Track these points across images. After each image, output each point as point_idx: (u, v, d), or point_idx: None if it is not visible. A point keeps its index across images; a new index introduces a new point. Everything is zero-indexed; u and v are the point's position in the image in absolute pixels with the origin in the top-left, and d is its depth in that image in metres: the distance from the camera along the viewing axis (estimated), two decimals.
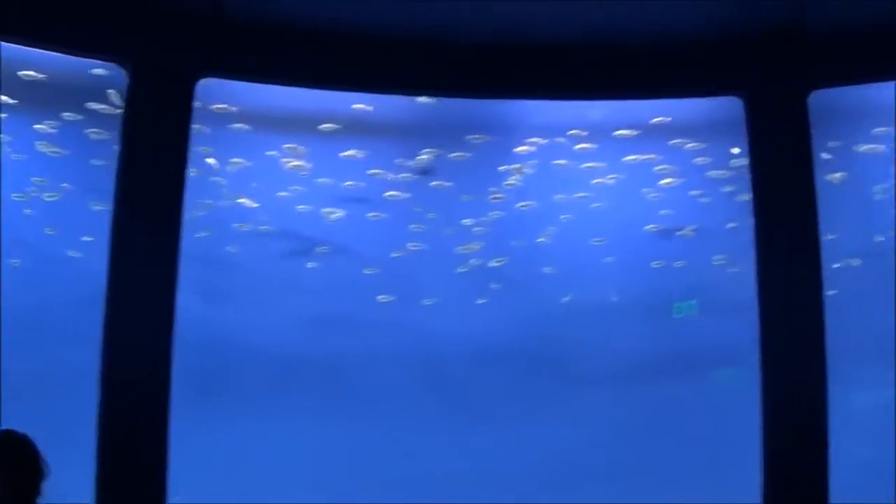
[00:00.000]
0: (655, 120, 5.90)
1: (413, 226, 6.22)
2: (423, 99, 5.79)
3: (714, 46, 4.93)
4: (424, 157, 6.19)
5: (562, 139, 6.14)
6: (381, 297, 6.06)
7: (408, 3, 4.69)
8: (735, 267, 5.94)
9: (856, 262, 5.67)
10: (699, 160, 6.04)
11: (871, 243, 5.75)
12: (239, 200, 5.97)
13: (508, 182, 6.24)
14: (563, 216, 6.27)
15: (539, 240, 6.25)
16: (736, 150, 5.25)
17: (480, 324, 6.17)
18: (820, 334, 4.67)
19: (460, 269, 6.22)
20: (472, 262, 6.24)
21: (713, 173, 6.00)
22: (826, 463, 4.59)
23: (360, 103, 5.86)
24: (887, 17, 4.61)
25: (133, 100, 4.60)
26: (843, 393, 4.87)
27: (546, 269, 6.20)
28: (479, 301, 6.17)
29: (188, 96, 4.68)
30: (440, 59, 5.04)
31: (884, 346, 5.48)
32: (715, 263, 6.02)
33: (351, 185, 6.16)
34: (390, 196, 6.15)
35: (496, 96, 5.56)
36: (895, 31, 4.70)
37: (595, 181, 6.21)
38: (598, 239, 6.20)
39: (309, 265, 6.15)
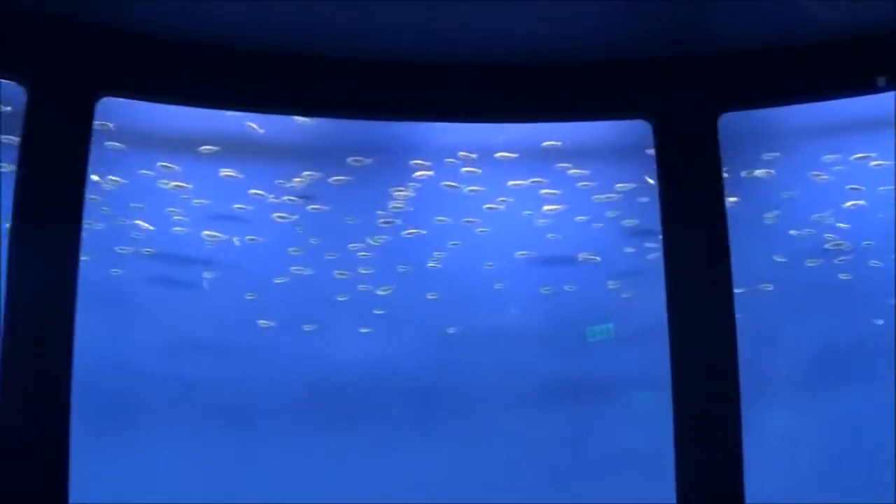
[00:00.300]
0: (547, 143, 5.91)
1: (293, 249, 6.07)
2: (304, 119, 5.72)
3: (622, 69, 4.91)
4: (303, 179, 6.07)
5: (453, 160, 6.09)
6: (261, 322, 5.94)
7: (307, 22, 4.54)
8: (628, 292, 5.98)
9: (768, 287, 5.76)
10: (586, 184, 6.07)
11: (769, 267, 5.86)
12: (120, 221, 5.78)
13: (395, 205, 6.15)
14: (451, 242, 6.22)
15: (429, 265, 6.18)
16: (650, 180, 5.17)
17: (365, 350, 6.03)
18: (732, 357, 4.67)
19: (340, 298, 6.11)
20: (360, 287, 6.13)
21: (598, 197, 6.04)
22: (741, 486, 4.57)
23: (248, 122, 5.75)
24: (796, 40, 4.69)
25: (31, 118, 4.37)
26: (758, 414, 4.87)
27: (433, 296, 6.12)
28: (363, 329, 6.05)
29: (88, 115, 4.48)
30: (338, 78, 4.90)
31: (793, 367, 5.56)
32: (609, 288, 6.03)
33: (233, 207, 6.01)
34: (275, 217, 6.02)
35: (397, 117, 5.44)
36: (804, 54, 4.76)
37: (487, 206, 6.18)
38: (488, 264, 6.16)
39: (186, 288, 5.97)
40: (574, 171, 6.01)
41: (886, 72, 4.64)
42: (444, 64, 4.89)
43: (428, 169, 6.07)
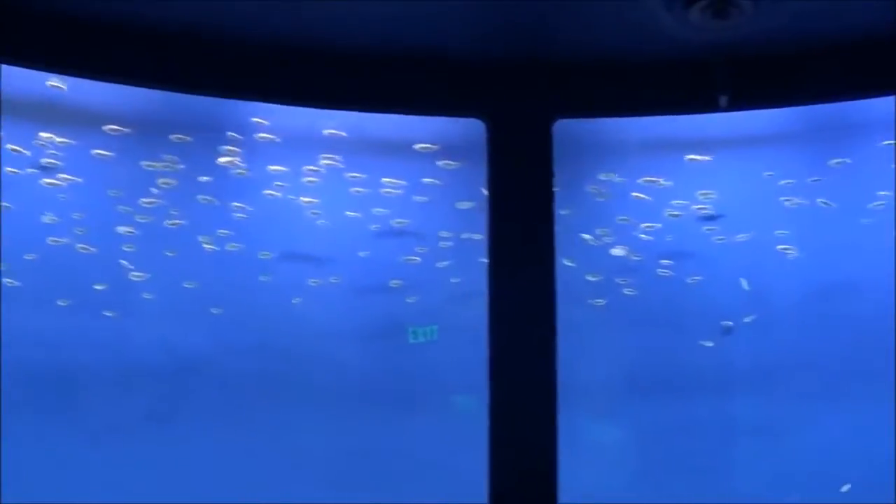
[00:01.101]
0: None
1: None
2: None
3: (458, 67, 4.80)
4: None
5: (266, 136, 5.87)
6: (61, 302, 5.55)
7: None
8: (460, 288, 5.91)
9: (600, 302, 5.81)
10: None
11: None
12: None
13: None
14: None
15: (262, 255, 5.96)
16: None
17: (184, 338, 5.78)
18: (551, 365, 4.63)
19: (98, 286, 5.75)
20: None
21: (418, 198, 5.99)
22: (555, 495, 4.54)
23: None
24: (641, 54, 4.69)
25: None
26: (575, 422, 4.85)
27: (190, 284, 5.86)
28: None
29: None
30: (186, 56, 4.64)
31: (614, 378, 5.62)
32: (442, 287, 5.96)
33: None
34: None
35: (231, 96, 5.15)
36: (647, 68, 4.77)
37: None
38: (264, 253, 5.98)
39: None
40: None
41: (728, 92, 4.70)
42: (273, 45, 4.69)
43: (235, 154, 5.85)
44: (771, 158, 5.90)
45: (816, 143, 5.83)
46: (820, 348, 5.84)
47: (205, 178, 5.87)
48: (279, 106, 5.34)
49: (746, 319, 5.86)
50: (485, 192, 4.81)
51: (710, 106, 4.69)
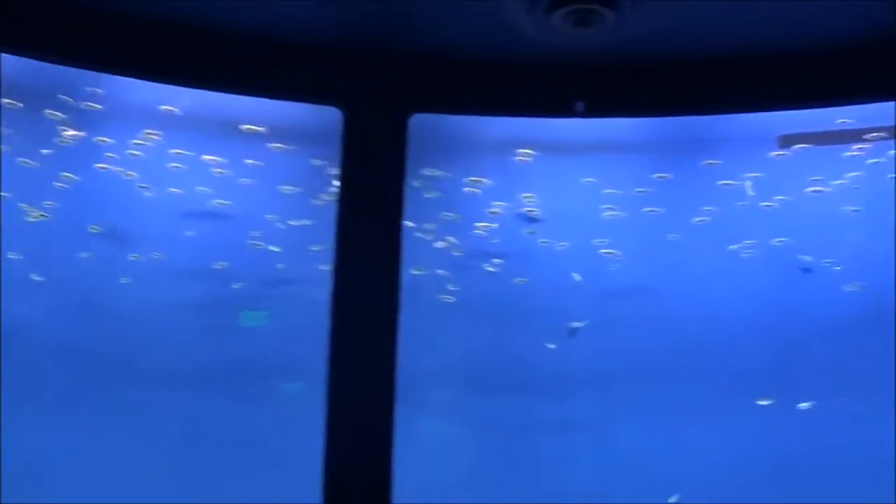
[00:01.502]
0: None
1: None
2: None
3: (320, 54, 4.70)
4: None
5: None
6: None
7: None
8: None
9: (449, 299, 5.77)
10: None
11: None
12: None
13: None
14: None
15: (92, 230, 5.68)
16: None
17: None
18: (391, 359, 4.58)
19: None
20: None
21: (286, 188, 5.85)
22: (389, 487, 4.51)
23: None
24: (501, 53, 4.65)
25: None
26: (412, 417, 4.78)
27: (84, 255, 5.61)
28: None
29: None
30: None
31: (456, 371, 5.60)
32: (279, 269, 5.82)
33: None
34: None
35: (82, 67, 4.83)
36: (505, 68, 4.74)
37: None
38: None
39: None
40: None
41: (585, 97, 4.73)
42: (131, 20, 4.45)
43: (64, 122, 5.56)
44: (610, 166, 6.03)
45: (654, 153, 5.99)
46: (646, 351, 6.02)
47: (45, 149, 5.55)
48: (121, 78, 5.09)
49: (576, 324, 5.97)
50: (336, 181, 4.72)
51: (566, 111, 4.71)
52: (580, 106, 4.69)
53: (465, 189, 5.97)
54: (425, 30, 4.56)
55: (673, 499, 5.62)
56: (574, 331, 5.98)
